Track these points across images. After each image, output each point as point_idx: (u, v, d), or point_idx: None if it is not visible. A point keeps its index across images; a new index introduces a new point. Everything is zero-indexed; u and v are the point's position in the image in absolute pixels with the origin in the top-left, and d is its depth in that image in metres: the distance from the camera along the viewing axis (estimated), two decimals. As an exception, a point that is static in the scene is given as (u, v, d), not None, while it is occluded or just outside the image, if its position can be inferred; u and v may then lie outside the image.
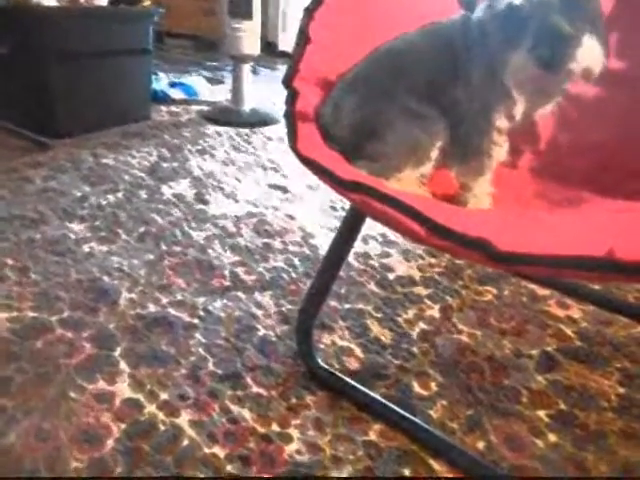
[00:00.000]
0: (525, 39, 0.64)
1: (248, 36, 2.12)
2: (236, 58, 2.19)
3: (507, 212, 0.73)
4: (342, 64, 0.81)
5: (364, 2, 0.85)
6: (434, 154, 0.71)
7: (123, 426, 0.80)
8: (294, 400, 0.87)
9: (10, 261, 1.17)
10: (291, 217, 1.45)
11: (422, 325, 1.06)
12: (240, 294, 1.12)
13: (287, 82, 0.78)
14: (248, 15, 2.08)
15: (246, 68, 2.22)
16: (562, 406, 0.89)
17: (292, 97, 0.77)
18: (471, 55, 0.72)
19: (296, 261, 1.25)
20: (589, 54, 0.63)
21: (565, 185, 0.81)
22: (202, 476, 0.74)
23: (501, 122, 0.74)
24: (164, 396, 0.86)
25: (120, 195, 1.51)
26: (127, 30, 1.98)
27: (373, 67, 0.77)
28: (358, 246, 1.32)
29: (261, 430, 0.81)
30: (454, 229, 0.51)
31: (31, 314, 1.02)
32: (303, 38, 0.82)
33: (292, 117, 0.75)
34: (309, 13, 0.83)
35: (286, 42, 3.63)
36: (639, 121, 0.84)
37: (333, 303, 1.10)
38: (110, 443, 0.77)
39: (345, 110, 0.74)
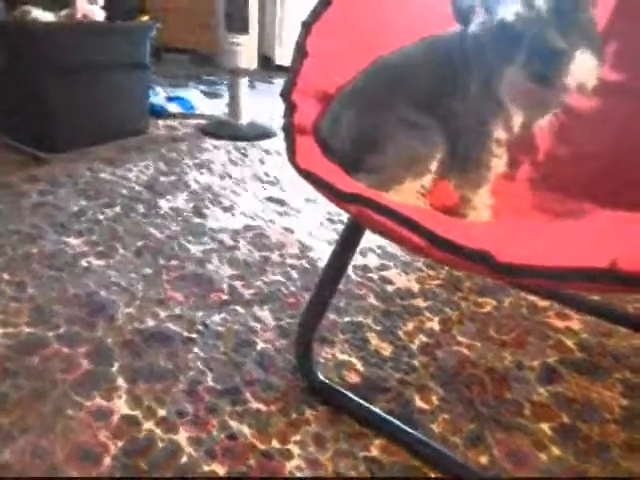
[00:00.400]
0: (519, 54, 0.64)
1: (245, 50, 2.13)
2: (233, 72, 2.19)
3: (507, 224, 0.73)
4: (340, 77, 0.81)
5: (361, 16, 0.85)
6: (433, 166, 0.71)
7: (120, 443, 0.79)
8: (294, 415, 0.86)
9: (7, 276, 1.17)
10: (289, 230, 1.45)
11: (422, 338, 1.06)
12: (239, 308, 1.11)
13: (285, 95, 0.78)
14: (245, 29, 2.09)
15: (243, 82, 2.23)
16: (565, 419, 0.89)
17: (290, 110, 0.77)
18: (469, 67, 0.73)
19: (294, 274, 1.25)
20: (582, 68, 0.63)
21: (564, 196, 0.81)
22: (201, 494, 0.72)
23: (499, 134, 0.74)
24: (162, 412, 0.85)
25: (117, 209, 1.50)
26: (124, 45, 1.98)
27: (371, 80, 0.77)
28: (357, 259, 1.31)
29: (261, 446, 0.80)
30: (455, 241, 0.50)
31: (27, 329, 1.01)
32: (301, 52, 0.82)
33: (290, 130, 0.75)
34: (307, 27, 0.83)
35: (283, 57, 3.66)
36: (637, 131, 0.84)
37: (332, 316, 1.10)
38: (107, 461, 0.76)
39: (344, 123, 0.74)
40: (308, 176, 0.65)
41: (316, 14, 0.84)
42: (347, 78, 0.80)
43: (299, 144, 0.70)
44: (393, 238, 0.55)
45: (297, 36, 0.84)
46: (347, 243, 0.89)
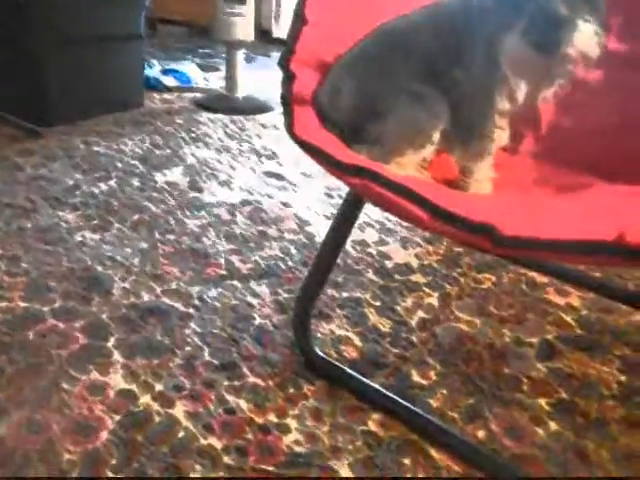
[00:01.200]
0: (519, 22, 0.62)
1: (241, 21, 2.08)
2: (229, 44, 2.15)
3: (509, 197, 0.71)
4: (339, 45, 0.79)
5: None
6: (435, 136, 0.69)
7: (117, 417, 0.79)
8: (292, 390, 0.86)
9: (0, 250, 1.15)
10: (286, 205, 1.43)
11: (421, 313, 1.05)
12: (236, 283, 1.10)
13: (283, 64, 0.76)
14: None
15: (239, 54, 2.18)
16: (563, 394, 0.88)
17: (288, 80, 0.75)
18: (472, 36, 0.70)
19: (292, 249, 1.23)
20: (585, 38, 0.62)
21: (567, 170, 0.79)
22: (198, 467, 0.72)
23: (503, 105, 0.72)
24: (159, 387, 0.84)
25: (113, 183, 1.48)
26: (118, 15, 1.93)
27: (372, 48, 0.75)
28: (355, 234, 1.30)
29: (258, 420, 0.80)
30: (458, 213, 0.49)
31: (22, 304, 1.00)
32: (299, 19, 0.80)
33: (289, 100, 0.73)
34: (305, -5, 0.81)
35: (280, 30, 3.59)
36: (641, 103, 0.82)
37: (330, 291, 1.09)
38: (104, 435, 0.76)
39: (344, 92, 0.72)
40: (306, 147, 0.63)
41: (315, -19, 0.81)
42: (346, 46, 0.78)
43: (297, 115, 0.69)
44: (395, 211, 0.54)
45: (295, 4, 0.82)
46: (346, 217, 0.88)
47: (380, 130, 0.69)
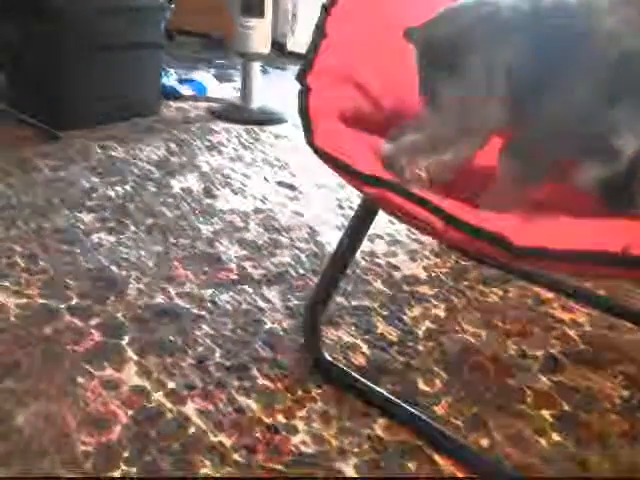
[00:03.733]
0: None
1: (259, 34, 2.12)
2: (246, 56, 2.19)
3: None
4: (358, 60, 0.82)
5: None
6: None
7: (130, 412, 0.81)
8: (300, 392, 0.88)
9: (19, 248, 1.18)
10: (298, 214, 1.46)
11: (428, 324, 1.07)
12: (247, 287, 1.13)
13: (301, 78, 0.79)
14: (260, 12, 2.09)
15: (256, 66, 2.22)
16: (566, 407, 0.90)
17: (304, 93, 0.78)
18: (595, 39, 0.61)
19: (303, 257, 1.26)
20: None
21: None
22: (208, 463, 0.74)
23: None
24: (171, 385, 0.87)
25: (128, 187, 1.51)
26: (139, 24, 1.99)
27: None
28: (365, 245, 1.32)
29: (267, 421, 0.82)
30: (471, 223, 0.51)
31: (40, 301, 1.03)
32: (320, 34, 0.83)
33: (306, 112, 0.76)
34: (326, 9, 0.84)
35: (295, 44, 3.64)
36: None
37: (339, 299, 1.11)
38: (118, 428, 0.78)
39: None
40: (325, 157, 0.65)
41: (337, -3, 0.84)
42: (365, 61, 0.81)
43: (316, 125, 0.71)
44: (411, 220, 0.56)
45: (317, 19, 0.85)
46: (358, 227, 0.90)
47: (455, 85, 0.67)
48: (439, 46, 0.70)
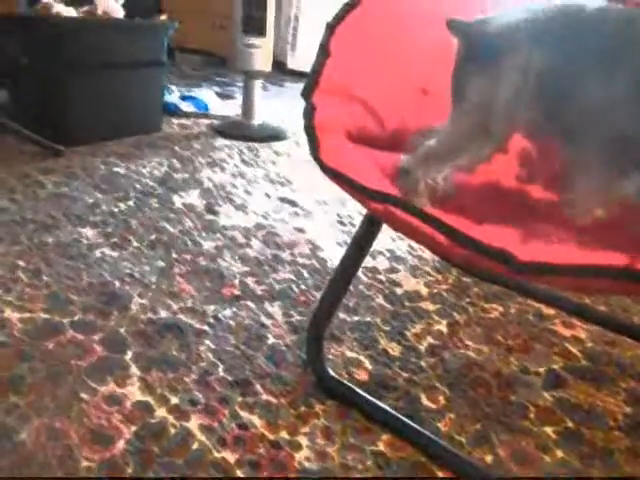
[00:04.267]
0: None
1: (260, 52, 2.15)
2: (248, 74, 2.22)
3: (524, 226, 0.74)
4: (362, 77, 0.83)
5: (385, 18, 0.87)
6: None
7: (134, 428, 0.81)
8: (303, 408, 0.88)
9: (22, 263, 1.19)
10: (300, 230, 1.47)
11: (430, 339, 1.07)
12: (250, 303, 1.13)
13: (306, 95, 0.80)
14: (261, 32, 2.12)
15: (257, 84, 2.25)
16: (569, 423, 0.90)
17: (310, 111, 0.79)
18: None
19: (305, 273, 1.26)
20: None
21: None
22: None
23: None
24: (174, 400, 0.87)
25: (131, 203, 1.52)
26: (142, 42, 2.01)
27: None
28: (366, 261, 1.33)
29: (270, 437, 0.82)
30: (476, 239, 0.52)
31: (43, 315, 1.03)
32: (324, 52, 0.84)
33: (312, 129, 0.77)
34: (330, 28, 0.85)
35: (295, 62, 3.69)
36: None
37: (342, 315, 1.11)
38: (121, 444, 0.78)
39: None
40: (331, 173, 0.66)
41: (340, 16, 0.86)
42: (369, 78, 0.82)
43: (323, 142, 0.72)
44: (416, 236, 0.57)
45: (321, 37, 0.86)
46: (360, 243, 0.91)
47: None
48: (478, 42, 0.70)
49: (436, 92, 0.83)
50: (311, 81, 0.81)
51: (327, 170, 0.66)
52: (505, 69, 0.67)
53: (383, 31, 0.90)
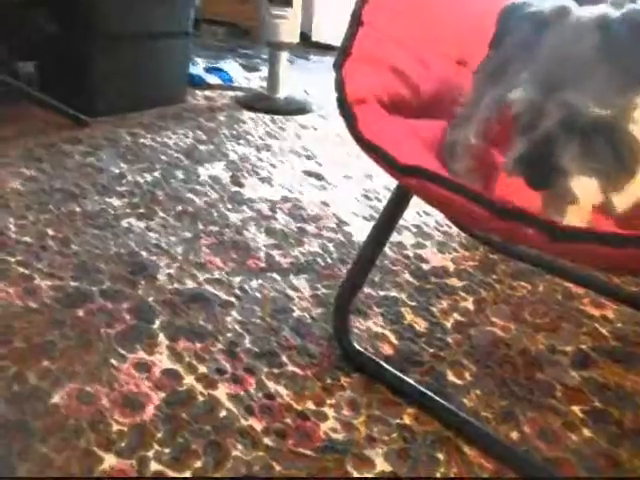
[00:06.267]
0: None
1: (287, 23, 2.12)
2: (273, 45, 2.19)
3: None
4: (395, 47, 0.81)
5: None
6: None
7: (162, 395, 0.82)
8: (329, 380, 0.88)
9: (51, 232, 1.20)
10: (325, 204, 1.46)
11: (456, 316, 1.07)
12: (275, 276, 1.13)
13: (338, 66, 0.79)
14: (288, 2, 2.08)
15: (283, 56, 2.22)
16: (597, 403, 0.89)
17: (341, 83, 0.77)
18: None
19: (331, 247, 1.26)
20: (582, 192, 0.54)
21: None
22: (240, 446, 0.75)
23: None
24: (202, 369, 0.88)
25: (157, 174, 1.53)
26: (168, 12, 1.99)
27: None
28: (392, 236, 1.32)
29: (297, 407, 0.83)
30: (516, 208, 0.51)
31: (73, 284, 1.04)
32: (356, 21, 0.82)
33: (345, 101, 0.75)
34: (364, -3, 0.83)
35: (319, 34, 3.63)
36: None
37: (367, 290, 1.11)
38: (150, 409, 0.79)
39: None
40: (367, 145, 0.65)
41: (374, -15, 0.84)
42: (402, 48, 0.80)
43: (359, 114, 0.70)
44: (453, 209, 0.56)
45: (354, 6, 0.84)
46: (389, 217, 0.90)
47: None
48: (502, 24, 0.69)
49: (473, 64, 0.81)
50: (343, 51, 0.79)
51: (363, 142, 0.64)
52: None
53: (418, 1, 0.88)
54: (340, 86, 0.76)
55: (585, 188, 0.54)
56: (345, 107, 0.72)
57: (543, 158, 0.54)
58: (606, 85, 0.53)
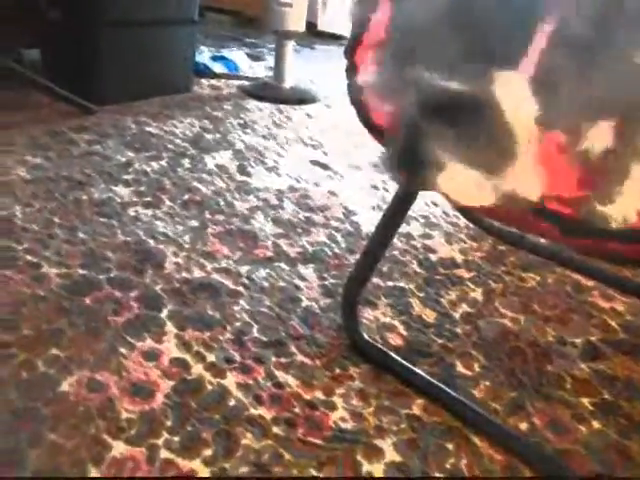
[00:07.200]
0: None
1: (294, 12, 2.10)
2: (280, 34, 2.18)
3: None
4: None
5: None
6: None
7: (171, 383, 0.82)
8: (338, 370, 0.88)
9: (58, 220, 1.19)
10: (332, 193, 1.45)
11: (465, 307, 1.06)
12: (283, 265, 1.13)
13: (349, 53, 0.78)
14: (296, -10, 2.07)
15: (290, 45, 2.21)
16: (606, 395, 0.89)
17: (352, 71, 0.76)
18: None
19: (338, 237, 1.25)
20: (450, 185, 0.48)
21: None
22: (249, 435, 0.75)
23: None
24: (211, 358, 0.87)
25: (164, 163, 1.52)
26: (174, 0, 1.98)
27: None
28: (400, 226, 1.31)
29: (306, 396, 0.82)
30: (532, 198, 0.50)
31: (80, 271, 1.04)
32: (369, 8, 0.81)
33: (355, 88, 0.74)
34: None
35: (325, 23, 3.60)
36: None
37: (376, 280, 1.11)
38: (159, 397, 0.79)
39: None
40: (381, 133, 0.64)
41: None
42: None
43: (368, 103, 0.70)
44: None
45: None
46: (399, 207, 0.89)
47: None
48: None
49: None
50: (354, 38, 0.78)
51: (375, 129, 0.64)
52: None
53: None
54: (351, 73, 0.75)
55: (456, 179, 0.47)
56: (355, 94, 0.72)
57: (412, 152, 0.48)
58: (461, 56, 0.46)
